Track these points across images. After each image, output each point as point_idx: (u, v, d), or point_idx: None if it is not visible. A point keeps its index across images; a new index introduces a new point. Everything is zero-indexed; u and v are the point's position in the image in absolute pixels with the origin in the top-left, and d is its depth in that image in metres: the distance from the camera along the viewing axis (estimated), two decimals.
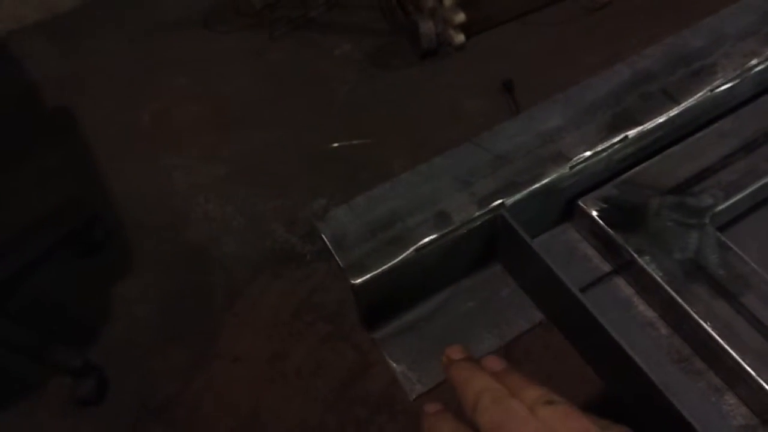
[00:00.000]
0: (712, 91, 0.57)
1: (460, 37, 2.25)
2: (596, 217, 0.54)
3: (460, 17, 2.20)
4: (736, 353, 0.46)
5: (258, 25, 2.53)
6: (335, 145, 2.11)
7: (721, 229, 0.55)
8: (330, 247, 0.51)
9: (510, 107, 2.11)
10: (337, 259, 0.50)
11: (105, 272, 1.94)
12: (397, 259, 0.50)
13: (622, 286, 0.54)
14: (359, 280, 0.49)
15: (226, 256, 1.93)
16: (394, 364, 0.52)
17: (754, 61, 0.59)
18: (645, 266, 0.51)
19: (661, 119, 0.56)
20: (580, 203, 0.55)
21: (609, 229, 0.53)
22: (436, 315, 0.55)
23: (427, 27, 2.22)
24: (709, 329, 0.48)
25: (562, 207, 0.56)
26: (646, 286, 0.52)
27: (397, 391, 1.65)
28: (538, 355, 1.60)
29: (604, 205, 0.54)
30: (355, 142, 2.11)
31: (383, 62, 2.34)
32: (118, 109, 2.36)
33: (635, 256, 0.51)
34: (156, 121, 2.31)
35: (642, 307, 0.53)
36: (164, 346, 1.76)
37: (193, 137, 2.22)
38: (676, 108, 0.56)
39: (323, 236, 0.51)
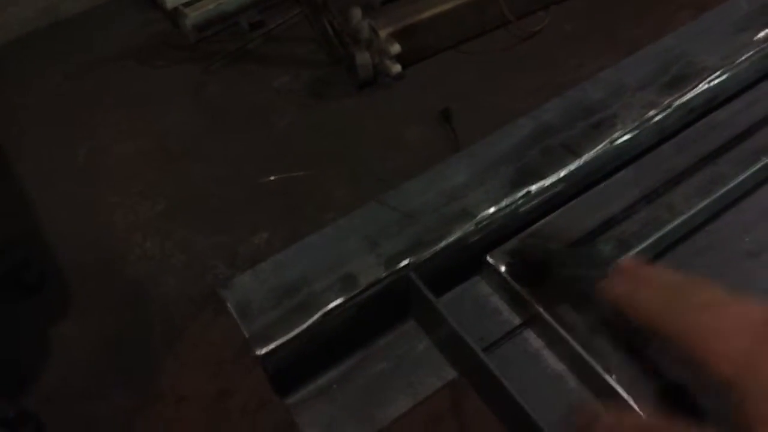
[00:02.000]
0: (612, 143, 0.59)
1: (396, 67, 2.28)
2: (503, 273, 0.54)
3: (396, 48, 2.23)
4: (639, 408, 0.47)
5: (194, 59, 2.51)
6: (273, 177, 2.10)
7: None
8: (235, 316, 0.50)
9: (449, 135, 2.13)
10: (242, 328, 0.50)
11: (41, 314, 1.88)
12: (303, 327, 0.49)
13: (531, 339, 0.55)
14: (263, 351, 0.48)
15: (165, 295, 1.89)
16: (308, 431, 0.52)
17: (652, 112, 0.61)
18: (551, 320, 0.52)
19: (562, 173, 0.57)
20: (488, 258, 0.55)
21: (516, 284, 0.54)
22: (349, 378, 0.54)
23: (363, 58, 2.24)
24: (614, 384, 0.48)
25: (471, 261, 0.57)
26: (553, 340, 0.53)
27: None
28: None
29: (511, 260, 0.55)
30: (295, 174, 2.10)
31: (322, 93, 2.35)
32: (53, 147, 2.30)
33: (541, 310, 0.52)
34: (93, 158, 2.26)
35: (551, 360, 0.53)
36: (105, 388, 1.71)
37: (131, 174, 2.18)
38: (576, 161, 0.57)
39: (228, 305, 0.51)
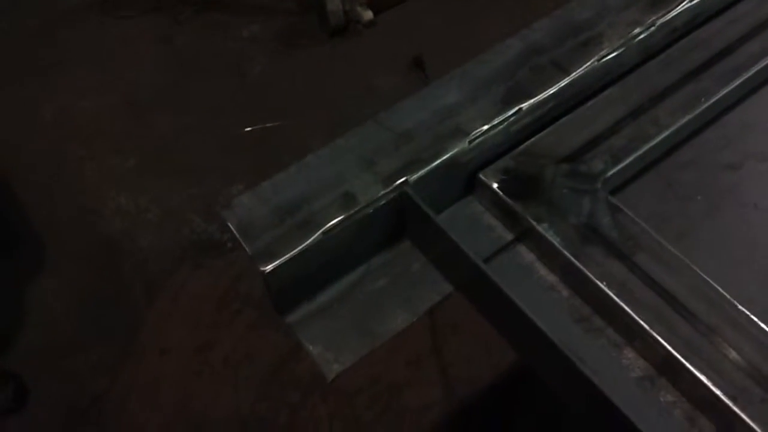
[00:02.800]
0: (599, 60, 0.60)
1: (368, 14, 2.25)
2: (496, 189, 0.56)
3: None
4: (631, 310, 0.49)
5: (161, 9, 2.44)
6: (249, 129, 2.07)
7: (614, 192, 0.58)
8: (237, 235, 0.51)
9: (422, 82, 2.13)
10: (245, 246, 0.50)
11: (17, 272, 1.85)
12: (305, 243, 0.50)
13: (524, 253, 0.56)
14: (269, 267, 0.49)
15: (142, 250, 1.88)
16: (310, 346, 0.53)
17: (637, 30, 0.62)
18: (543, 233, 0.53)
19: (552, 90, 0.58)
20: (480, 176, 0.57)
21: (508, 200, 0.55)
22: (349, 294, 0.55)
23: (334, 5, 2.21)
24: (606, 289, 0.50)
25: (464, 181, 0.58)
26: (545, 252, 0.54)
27: None
28: (467, 326, 1.64)
29: (504, 177, 0.56)
30: (269, 124, 2.08)
31: (293, 42, 2.32)
32: (18, 105, 2.23)
33: (534, 223, 0.54)
34: (59, 115, 2.20)
35: (543, 271, 0.55)
36: (86, 344, 1.70)
37: (100, 129, 2.14)
38: (566, 78, 0.58)
39: (229, 224, 0.51)
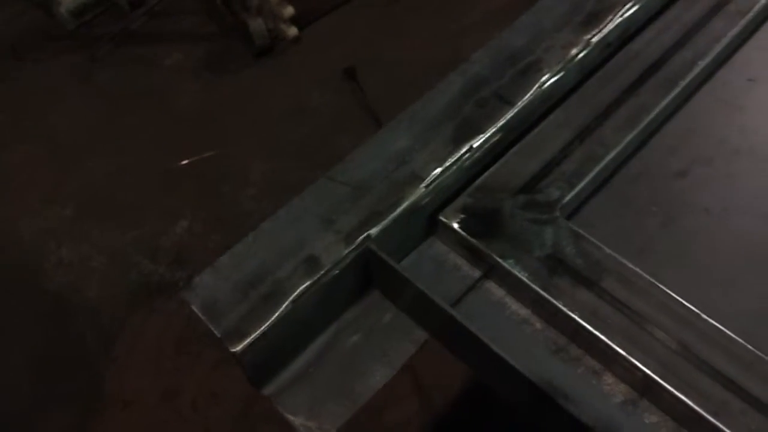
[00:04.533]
0: (540, 87, 0.60)
1: (292, 30, 2.22)
2: (458, 229, 0.55)
3: (289, 10, 2.17)
4: (605, 337, 0.50)
5: (76, 48, 2.35)
6: (185, 162, 2.02)
7: (570, 216, 0.58)
8: (202, 318, 0.49)
9: (356, 93, 2.12)
10: (212, 329, 0.48)
11: None
12: (274, 317, 0.49)
13: (493, 289, 0.56)
14: (240, 347, 0.48)
15: (91, 300, 1.81)
16: (292, 417, 0.52)
17: (574, 51, 0.62)
18: (510, 269, 0.53)
19: (500, 123, 0.58)
20: (441, 218, 0.56)
21: (471, 239, 0.55)
22: (324, 357, 0.54)
23: (257, 25, 2.17)
24: (578, 319, 0.51)
25: (425, 222, 0.57)
26: (514, 287, 0.54)
27: None
28: (450, 381, 1.63)
29: (463, 216, 0.56)
30: (205, 155, 2.04)
31: (219, 67, 2.27)
32: None
33: (499, 260, 0.54)
34: None
35: (515, 306, 0.55)
36: (45, 409, 1.63)
37: (30, 180, 2.05)
38: (511, 110, 0.58)
39: (193, 308, 0.49)
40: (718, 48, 0.64)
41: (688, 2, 0.69)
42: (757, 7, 0.68)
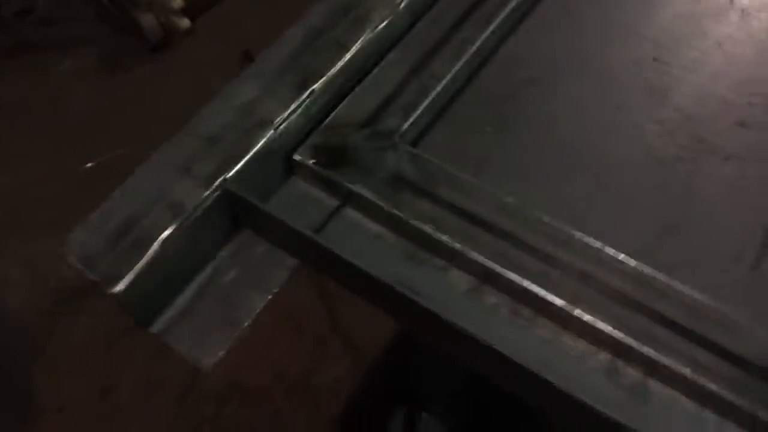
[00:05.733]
0: (373, 30, 0.67)
1: (184, 22, 2.24)
2: (312, 165, 0.62)
3: (178, 2, 2.19)
4: (445, 238, 0.57)
5: None
6: (90, 164, 2.02)
7: (414, 144, 0.65)
8: (80, 268, 0.54)
9: None
10: (89, 275, 0.53)
11: None
12: (146, 258, 0.54)
13: (351, 214, 0.63)
14: (117, 289, 0.53)
15: (13, 311, 1.81)
16: (179, 347, 0.57)
17: None
18: (360, 191, 0.60)
19: (338, 66, 0.64)
20: (295, 157, 0.63)
21: (324, 171, 0.62)
22: (203, 293, 0.60)
23: (148, 20, 2.18)
24: (421, 226, 0.58)
25: (282, 165, 0.64)
26: (366, 208, 0.61)
27: (237, 377, 1.69)
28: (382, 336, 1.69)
29: (315, 152, 0.63)
30: (112, 154, 2.04)
31: (114, 67, 2.26)
32: None
33: (349, 186, 0.60)
34: None
35: (371, 225, 0.62)
36: None
37: None
38: (347, 53, 0.65)
39: (69, 260, 0.54)
40: None
41: None
42: None
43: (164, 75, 2.21)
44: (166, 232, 0.55)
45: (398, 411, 1.44)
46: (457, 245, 0.57)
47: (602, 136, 0.68)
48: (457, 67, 0.67)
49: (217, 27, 2.31)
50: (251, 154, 0.60)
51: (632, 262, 0.55)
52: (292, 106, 0.62)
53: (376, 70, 0.68)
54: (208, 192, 0.57)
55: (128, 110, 2.15)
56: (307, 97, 0.63)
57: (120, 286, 0.53)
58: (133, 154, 2.16)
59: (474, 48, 0.68)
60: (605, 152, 0.66)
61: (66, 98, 2.17)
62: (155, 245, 0.55)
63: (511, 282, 0.56)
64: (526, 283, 0.55)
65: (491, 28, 0.69)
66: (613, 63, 0.72)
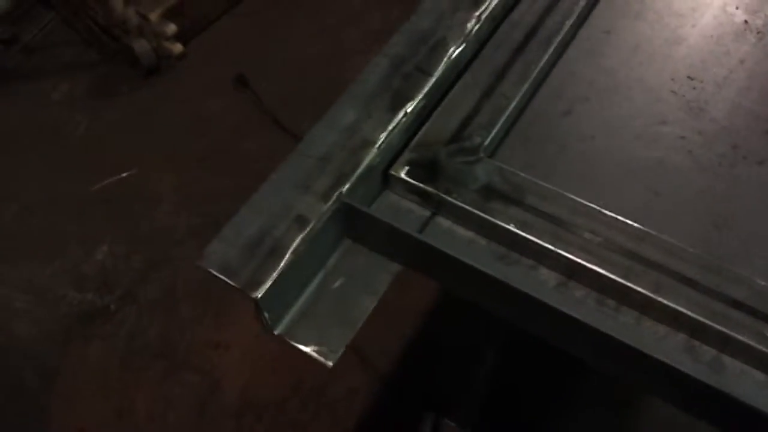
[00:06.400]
0: (449, 57, 0.75)
1: (177, 47, 2.27)
2: (407, 178, 0.69)
3: (171, 28, 2.22)
4: (535, 238, 0.65)
5: None
6: (94, 188, 2.04)
7: (491, 156, 0.73)
8: (221, 277, 0.59)
9: (250, 98, 2.20)
10: (232, 283, 0.59)
11: None
12: (281, 265, 0.60)
13: (441, 222, 0.70)
14: (260, 293, 0.59)
15: (23, 340, 1.80)
16: (304, 347, 0.63)
17: (469, 26, 0.77)
18: (455, 201, 0.67)
19: (424, 90, 0.72)
20: (392, 172, 0.69)
21: (419, 183, 0.69)
22: (318, 296, 0.66)
23: (141, 45, 2.21)
24: (513, 228, 0.66)
25: (379, 180, 0.70)
26: (459, 216, 0.69)
27: (253, 391, 1.72)
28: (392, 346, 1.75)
29: (408, 167, 0.70)
30: (113, 178, 2.06)
31: (109, 92, 2.28)
32: None
33: (444, 196, 0.68)
34: None
35: (461, 231, 0.70)
36: None
37: None
38: (430, 78, 0.73)
39: (211, 271, 0.60)
40: (578, 9, 0.81)
41: None
42: None
43: (159, 99, 2.24)
44: (296, 242, 0.62)
45: (426, 416, 1.50)
46: (545, 244, 0.65)
47: (649, 147, 0.77)
48: (524, 88, 0.75)
49: (209, 52, 2.35)
50: (359, 170, 0.66)
51: (699, 253, 0.63)
52: (389, 127, 0.69)
53: (452, 92, 0.75)
54: (327, 205, 0.64)
55: (125, 135, 2.17)
56: (402, 117, 0.70)
57: (260, 292, 0.59)
58: (131, 178, 2.19)
59: (537, 69, 0.76)
60: (655, 161, 0.75)
61: (62, 124, 2.18)
62: (288, 254, 0.61)
63: (596, 275, 0.64)
64: (611, 275, 0.63)
65: (550, 50, 0.78)
66: (652, 81, 0.82)
